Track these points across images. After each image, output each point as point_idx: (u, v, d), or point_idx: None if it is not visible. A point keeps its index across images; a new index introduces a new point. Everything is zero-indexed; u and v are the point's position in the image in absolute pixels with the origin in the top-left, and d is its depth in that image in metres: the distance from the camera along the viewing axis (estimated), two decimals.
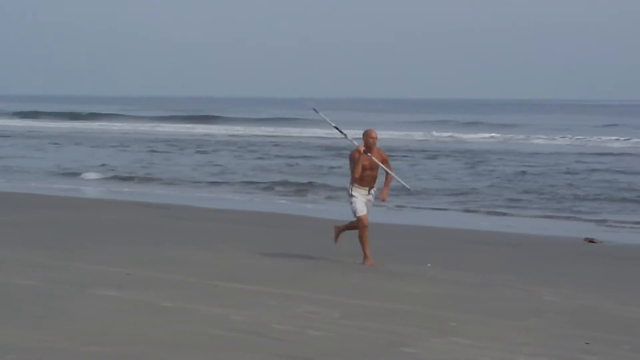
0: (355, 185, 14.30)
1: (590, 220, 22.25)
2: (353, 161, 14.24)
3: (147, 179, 33.40)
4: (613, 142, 58.62)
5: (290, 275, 13.31)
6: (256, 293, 11.73)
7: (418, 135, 66.75)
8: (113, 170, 36.30)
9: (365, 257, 14.40)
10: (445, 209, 24.80)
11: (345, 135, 14.84)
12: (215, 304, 10.90)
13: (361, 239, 14.36)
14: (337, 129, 14.91)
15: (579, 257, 16.05)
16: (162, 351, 8.67)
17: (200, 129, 77.42)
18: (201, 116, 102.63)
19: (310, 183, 31.18)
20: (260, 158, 44.15)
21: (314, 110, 15.59)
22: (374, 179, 14.40)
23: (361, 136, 14.41)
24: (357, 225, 14.37)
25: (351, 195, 14.34)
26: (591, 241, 18.04)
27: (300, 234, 18.54)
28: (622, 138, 60.79)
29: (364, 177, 14.26)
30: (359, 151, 14.18)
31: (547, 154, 47.33)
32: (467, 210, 24.50)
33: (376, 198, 14.52)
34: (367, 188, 14.33)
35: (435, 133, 67.81)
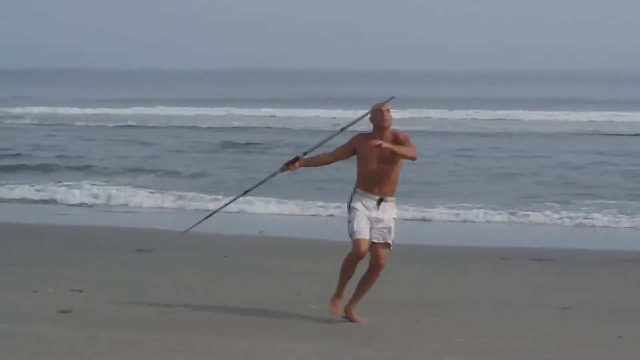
0: (359, 190, 9.04)
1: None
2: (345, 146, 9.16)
3: None
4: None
5: None
6: None
7: None
8: None
9: (336, 296, 9.23)
10: None
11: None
12: None
13: (343, 270, 9.10)
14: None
15: None
16: None
17: None
18: None
19: None
20: None
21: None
22: (390, 179, 8.98)
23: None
24: (349, 256, 8.99)
25: (350, 208, 9.02)
26: None
27: None
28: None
29: (372, 175, 8.96)
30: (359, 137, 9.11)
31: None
32: None
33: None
34: (377, 197, 8.99)
35: None
